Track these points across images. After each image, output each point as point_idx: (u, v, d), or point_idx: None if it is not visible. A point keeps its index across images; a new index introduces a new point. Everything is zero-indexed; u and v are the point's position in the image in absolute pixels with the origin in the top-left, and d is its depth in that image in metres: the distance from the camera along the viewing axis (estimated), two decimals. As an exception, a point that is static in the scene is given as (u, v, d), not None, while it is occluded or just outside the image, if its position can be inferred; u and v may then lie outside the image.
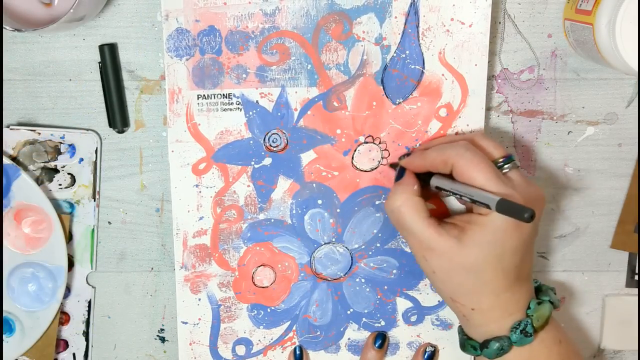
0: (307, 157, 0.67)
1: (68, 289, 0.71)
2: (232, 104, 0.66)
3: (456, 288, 0.61)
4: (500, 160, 0.62)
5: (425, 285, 0.70)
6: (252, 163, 0.67)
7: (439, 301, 0.70)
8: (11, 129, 0.68)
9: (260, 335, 0.71)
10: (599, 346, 0.74)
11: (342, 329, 0.71)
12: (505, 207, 0.55)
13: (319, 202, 0.68)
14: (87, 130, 0.69)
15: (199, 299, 0.70)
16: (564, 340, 0.62)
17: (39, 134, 0.68)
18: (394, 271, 0.70)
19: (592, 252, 0.72)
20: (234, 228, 0.69)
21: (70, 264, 0.71)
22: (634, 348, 0.73)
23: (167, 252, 0.72)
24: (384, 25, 0.65)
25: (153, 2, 0.67)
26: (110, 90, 0.68)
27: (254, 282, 0.70)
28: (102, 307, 0.73)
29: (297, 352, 0.71)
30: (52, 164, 0.69)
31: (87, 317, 0.72)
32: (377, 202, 0.68)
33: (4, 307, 0.70)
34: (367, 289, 0.70)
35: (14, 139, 0.68)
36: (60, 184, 0.70)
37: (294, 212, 0.68)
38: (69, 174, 0.69)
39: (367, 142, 0.67)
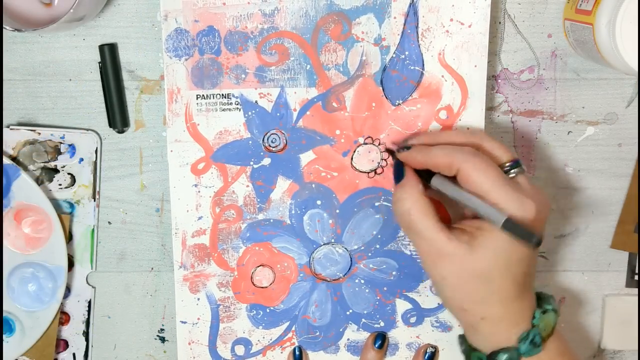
0: (306, 157, 0.67)
1: (68, 289, 0.71)
2: (231, 104, 0.66)
3: (467, 296, 0.59)
4: (507, 164, 0.60)
5: (425, 287, 0.70)
6: (251, 163, 0.67)
7: (438, 304, 0.70)
8: (11, 129, 0.68)
9: (260, 335, 0.71)
10: (599, 346, 0.74)
11: (341, 330, 0.71)
12: (512, 227, 0.54)
13: (318, 202, 0.68)
14: (87, 130, 0.69)
15: (198, 299, 0.70)
16: (567, 352, 0.61)
17: (39, 134, 0.69)
18: (394, 273, 0.69)
19: (592, 252, 0.72)
20: (233, 228, 0.69)
21: (70, 264, 0.71)
22: (634, 348, 0.73)
23: (167, 252, 0.72)
24: (383, 26, 0.65)
25: (153, 2, 0.67)
26: (110, 90, 0.68)
27: (253, 282, 0.70)
28: (102, 307, 0.73)
29: (297, 353, 0.71)
30: (52, 164, 0.69)
31: (87, 317, 0.72)
32: (376, 204, 0.68)
33: (4, 307, 0.70)
34: (367, 290, 0.70)
35: (14, 139, 0.69)
36: (60, 184, 0.70)
37: (293, 212, 0.68)
38: (69, 174, 0.70)
39: (366, 143, 0.67)
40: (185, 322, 0.70)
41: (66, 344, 0.73)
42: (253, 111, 0.66)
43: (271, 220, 0.69)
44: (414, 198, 0.59)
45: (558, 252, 0.72)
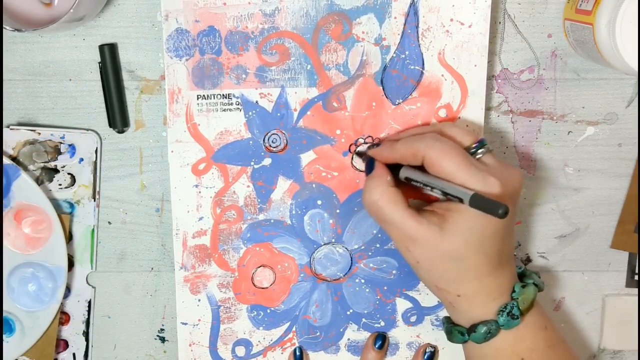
0: (306, 157, 0.67)
1: (68, 289, 0.71)
2: (231, 104, 0.66)
3: (441, 276, 0.61)
4: (473, 146, 0.61)
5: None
6: (252, 163, 0.67)
7: (438, 302, 0.70)
8: (11, 129, 0.68)
9: (260, 336, 0.71)
10: (599, 346, 0.74)
11: (341, 330, 0.71)
12: (479, 202, 0.55)
13: (319, 202, 0.68)
14: (87, 130, 0.69)
15: (199, 300, 0.70)
16: (549, 327, 0.62)
17: (39, 134, 0.68)
18: (394, 272, 0.70)
19: (592, 252, 0.72)
20: (234, 228, 0.69)
21: (70, 264, 0.71)
22: (634, 348, 0.73)
23: (167, 252, 0.72)
24: (384, 26, 0.65)
25: (153, 2, 0.67)
26: (110, 90, 0.68)
27: (253, 283, 0.70)
28: (102, 307, 0.73)
29: (297, 353, 0.71)
30: (52, 164, 0.69)
31: (87, 317, 0.72)
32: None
33: (4, 307, 0.70)
34: (367, 290, 0.70)
35: (14, 139, 0.68)
36: (60, 184, 0.70)
37: (293, 212, 0.68)
38: (69, 174, 0.69)
39: (366, 143, 0.67)
40: (185, 324, 0.70)
41: (66, 344, 0.73)
42: (254, 111, 0.66)
43: (272, 221, 0.69)
44: (381, 188, 0.60)
45: (558, 252, 0.72)
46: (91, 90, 0.69)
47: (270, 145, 0.67)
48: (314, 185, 0.68)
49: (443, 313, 0.70)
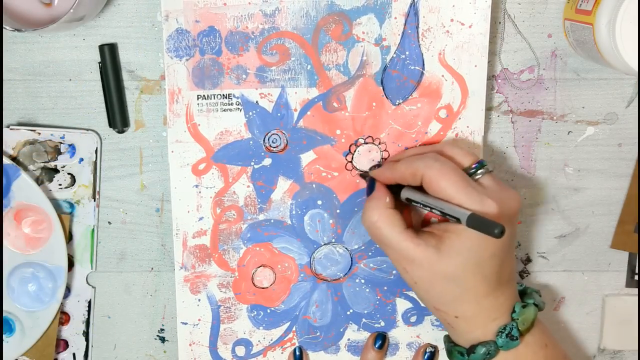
0: (306, 157, 0.67)
1: (68, 289, 0.71)
2: (232, 104, 0.66)
3: (438, 297, 0.61)
4: (472, 167, 0.62)
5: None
6: (252, 163, 0.67)
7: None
8: (11, 129, 0.68)
9: (260, 336, 0.71)
10: (599, 346, 0.74)
11: (341, 330, 0.71)
12: (476, 222, 0.55)
13: (319, 202, 0.68)
14: (87, 130, 0.69)
15: (199, 300, 0.70)
16: (550, 344, 0.62)
17: (39, 134, 0.68)
18: (394, 272, 0.69)
19: (592, 252, 0.72)
20: (234, 228, 0.69)
21: (70, 264, 0.71)
22: (634, 348, 0.74)
23: (167, 252, 0.72)
24: (384, 26, 0.65)
25: (153, 2, 0.67)
26: (110, 90, 0.68)
27: (253, 283, 0.70)
28: (102, 307, 0.73)
29: (297, 353, 0.71)
30: (52, 164, 0.69)
31: (87, 317, 0.72)
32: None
33: (4, 307, 0.70)
34: (367, 290, 0.70)
35: (14, 139, 0.68)
36: (60, 184, 0.70)
37: (293, 212, 0.68)
38: (69, 174, 0.69)
39: (367, 143, 0.67)
40: (186, 323, 0.70)
41: (66, 344, 0.73)
42: (254, 111, 0.66)
43: (272, 221, 0.69)
44: (380, 209, 0.61)
45: (558, 252, 0.72)
46: (91, 90, 0.69)
47: (270, 146, 0.67)
48: (314, 186, 0.68)
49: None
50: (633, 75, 0.67)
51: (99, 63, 0.68)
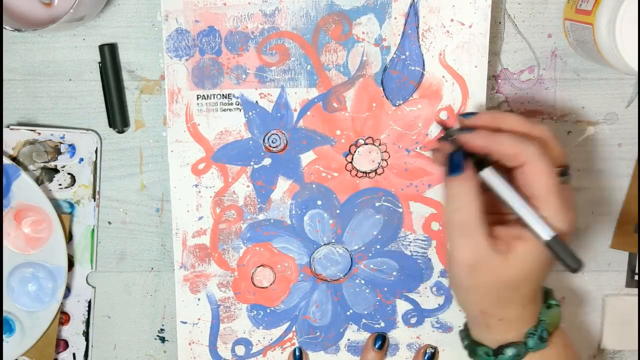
0: (306, 157, 0.67)
1: (68, 289, 0.71)
2: (231, 104, 0.66)
3: (493, 302, 0.58)
4: (560, 169, 0.58)
5: (426, 288, 0.70)
6: (252, 163, 0.67)
7: (439, 304, 0.70)
8: (11, 129, 0.68)
9: (260, 335, 0.71)
10: (599, 346, 0.74)
11: (341, 330, 0.71)
12: (557, 247, 0.53)
13: (319, 202, 0.68)
14: (87, 130, 0.69)
15: (199, 299, 0.70)
16: (569, 345, 0.62)
17: (39, 134, 0.68)
18: (394, 273, 0.69)
19: (592, 252, 0.72)
20: (234, 228, 0.69)
21: (70, 264, 0.71)
22: (634, 348, 0.74)
23: (167, 252, 0.72)
24: (384, 26, 0.65)
25: (153, 2, 0.67)
26: (110, 90, 0.68)
27: (253, 283, 0.70)
28: (102, 307, 0.73)
29: (297, 354, 0.71)
30: (52, 164, 0.69)
31: (87, 317, 0.72)
32: (376, 204, 0.68)
33: (4, 307, 0.70)
34: (367, 291, 0.70)
35: (14, 139, 0.68)
36: (60, 184, 0.70)
37: (293, 212, 0.68)
38: (69, 174, 0.69)
39: (367, 144, 0.67)
40: (185, 323, 0.70)
41: (66, 344, 0.73)
42: (253, 111, 0.66)
43: (271, 221, 0.69)
44: (471, 197, 0.55)
45: (558, 252, 0.72)
46: (91, 90, 0.69)
47: (270, 146, 0.67)
48: (314, 186, 0.68)
49: (443, 316, 0.70)
50: (633, 75, 0.67)
51: (99, 63, 0.68)
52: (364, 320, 0.71)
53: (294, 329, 0.71)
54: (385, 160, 0.67)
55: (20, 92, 0.69)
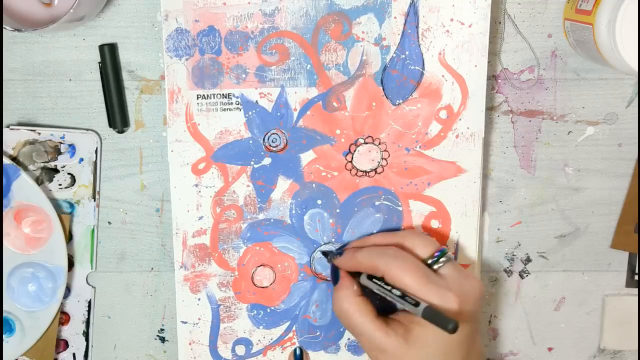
0: (306, 157, 0.67)
1: (68, 289, 0.71)
2: (231, 103, 0.66)
3: None
4: (434, 256, 0.62)
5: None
6: (252, 163, 0.67)
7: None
8: (11, 129, 0.68)
9: (260, 335, 0.71)
10: (599, 346, 0.74)
11: (341, 329, 0.71)
12: (431, 315, 0.56)
13: (319, 202, 0.68)
14: (87, 130, 0.69)
15: (199, 299, 0.70)
16: None
17: (39, 134, 0.68)
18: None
19: (592, 252, 0.72)
20: (234, 228, 0.69)
21: (70, 264, 0.71)
22: (634, 348, 0.73)
23: (167, 252, 0.72)
24: (384, 26, 0.65)
25: (153, 2, 0.67)
26: (110, 90, 0.68)
27: (253, 282, 0.70)
28: (102, 307, 0.73)
29: (297, 353, 0.71)
30: (52, 164, 0.69)
31: (87, 317, 0.72)
32: (376, 203, 0.68)
33: (4, 307, 0.70)
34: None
35: (14, 139, 0.68)
36: (60, 184, 0.70)
37: (293, 212, 0.68)
38: (69, 174, 0.69)
39: (366, 143, 0.67)
40: (185, 322, 0.70)
41: (66, 344, 0.73)
42: (253, 111, 0.66)
43: (272, 220, 0.69)
44: (349, 299, 0.63)
45: (558, 252, 0.72)
46: (91, 90, 0.69)
47: (270, 145, 0.67)
48: (313, 185, 0.68)
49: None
50: (633, 75, 0.67)
51: (99, 63, 0.68)
52: (364, 320, 0.71)
53: (294, 328, 0.71)
54: (385, 159, 0.67)
55: (20, 92, 0.69)
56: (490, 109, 0.69)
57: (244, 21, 0.65)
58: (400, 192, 0.68)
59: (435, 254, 0.63)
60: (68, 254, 0.70)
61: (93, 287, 0.72)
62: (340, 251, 0.68)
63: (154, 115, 0.69)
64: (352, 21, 0.65)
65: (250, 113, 0.66)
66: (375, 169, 0.67)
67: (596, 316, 0.73)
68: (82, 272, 0.72)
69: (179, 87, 0.66)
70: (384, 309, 0.65)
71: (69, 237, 0.70)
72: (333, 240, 0.69)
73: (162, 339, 0.74)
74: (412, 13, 0.64)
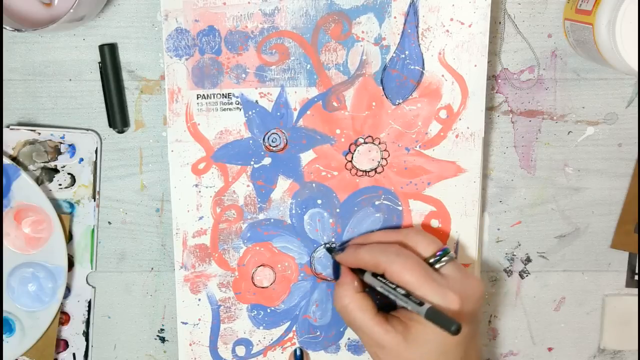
0: (306, 157, 0.67)
1: (68, 289, 0.71)
2: (231, 103, 0.66)
3: None
4: (436, 255, 0.63)
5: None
6: (252, 163, 0.67)
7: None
8: (11, 129, 0.68)
9: (260, 335, 0.71)
10: (599, 346, 0.74)
11: (341, 329, 0.71)
12: (434, 316, 0.57)
13: (319, 202, 0.68)
14: (87, 130, 0.69)
15: (199, 299, 0.70)
16: None
17: (39, 134, 0.68)
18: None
19: (592, 252, 0.72)
20: (234, 228, 0.69)
21: (70, 264, 0.71)
22: (634, 348, 0.73)
23: (167, 252, 0.72)
24: (384, 26, 0.65)
25: (153, 2, 0.67)
26: (110, 90, 0.68)
27: (253, 282, 0.70)
28: (102, 307, 0.73)
29: (298, 353, 0.71)
30: (52, 164, 0.69)
31: (87, 317, 0.72)
32: (376, 202, 0.68)
33: (4, 307, 0.70)
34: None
35: (14, 139, 0.68)
36: (60, 184, 0.70)
37: (293, 212, 0.68)
38: (69, 174, 0.69)
39: (366, 143, 0.67)
40: (186, 323, 0.70)
41: (66, 344, 0.73)
42: (253, 111, 0.66)
43: (272, 220, 0.69)
44: (350, 296, 0.63)
45: (558, 252, 0.72)
46: (91, 90, 0.69)
47: (270, 145, 0.67)
48: (313, 185, 0.68)
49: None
50: (633, 75, 0.67)
51: (99, 63, 0.68)
52: (364, 320, 0.71)
53: (294, 328, 0.71)
54: (385, 159, 0.67)
55: (20, 92, 0.69)
56: (490, 109, 0.69)
57: (243, 21, 0.65)
58: (400, 191, 0.68)
59: (438, 253, 0.63)
60: (68, 254, 0.70)
61: (93, 287, 0.72)
62: (342, 247, 0.68)
63: (154, 115, 0.69)
64: (352, 21, 0.65)
65: (250, 113, 0.66)
66: (375, 168, 0.67)
67: (596, 316, 0.73)
68: (82, 272, 0.72)
69: (179, 87, 0.66)
70: (385, 306, 0.65)
71: (69, 237, 0.70)
72: (333, 239, 0.69)
73: (162, 339, 0.74)
74: (412, 13, 0.64)
